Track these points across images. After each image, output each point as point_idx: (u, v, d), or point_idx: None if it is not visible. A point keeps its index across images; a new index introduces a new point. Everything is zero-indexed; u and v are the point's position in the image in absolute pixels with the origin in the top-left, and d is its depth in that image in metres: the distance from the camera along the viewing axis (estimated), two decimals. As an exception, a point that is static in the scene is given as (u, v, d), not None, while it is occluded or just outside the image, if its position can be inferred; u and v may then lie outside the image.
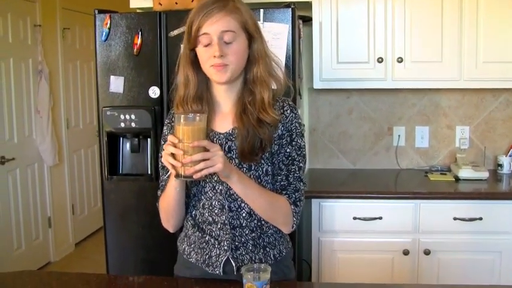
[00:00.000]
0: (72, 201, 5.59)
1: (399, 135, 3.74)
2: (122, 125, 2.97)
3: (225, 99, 1.88)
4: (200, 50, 1.79)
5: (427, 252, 3.10)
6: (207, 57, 1.77)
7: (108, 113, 2.99)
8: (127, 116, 2.96)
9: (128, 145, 3.08)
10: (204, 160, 1.61)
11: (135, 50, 2.93)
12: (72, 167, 5.60)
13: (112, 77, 2.98)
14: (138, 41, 2.92)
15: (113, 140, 3.05)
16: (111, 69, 2.98)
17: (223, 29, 1.74)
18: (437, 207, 3.11)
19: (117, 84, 2.98)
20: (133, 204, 3.04)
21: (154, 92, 2.94)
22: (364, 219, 3.11)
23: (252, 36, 1.81)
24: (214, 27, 1.74)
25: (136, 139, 3.03)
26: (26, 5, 4.77)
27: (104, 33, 2.95)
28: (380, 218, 3.11)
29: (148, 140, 3.01)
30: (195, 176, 1.62)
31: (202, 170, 1.61)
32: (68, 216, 5.51)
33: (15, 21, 4.61)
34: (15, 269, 4.30)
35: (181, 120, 1.63)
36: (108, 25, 2.94)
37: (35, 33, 4.86)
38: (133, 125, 2.96)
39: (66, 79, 5.42)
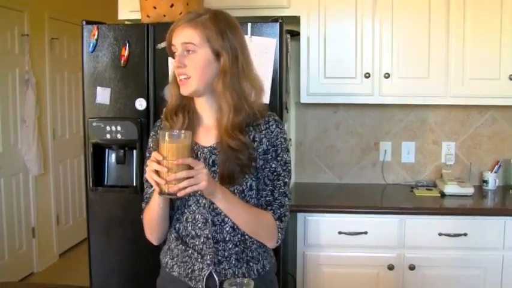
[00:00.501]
0: (57, 211, 5.55)
1: (385, 150, 3.75)
2: (108, 136, 2.96)
3: (207, 113, 1.88)
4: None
5: (412, 268, 3.10)
6: (174, 68, 1.81)
7: (94, 124, 2.97)
8: (113, 128, 2.94)
9: (113, 156, 3.06)
10: (188, 178, 1.60)
11: (122, 61, 2.92)
12: (58, 177, 5.57)
13: (99, 88, 2.97)
14: (126, 52, 2.91)
15: (98, 151, 3.03)
16: (98, 80, 2.97)
17: (183, 40, 1.77)
18: (423, 222, 3.11)
19: (103, 95, 2.96)
20: (118, 216, 3.02)
21: (140, 103, 2.94)
22: (350, 233, 3.11)
23: (219, 52, 1.79)
24: (177, 38, 1.79)
25: (122, 151, 3.01)
26: (14, 15, 4.76)
27: (92, 45, 2.95)
28: (365, 233, 3.11)
29: (134, 151, 2.99)
30: (179, 194, 1.61)
31: (186, 187, 1.61)
32: (52, 226, 5.47)
33: (3, 30, 4.60)
34: (-2, 279, 4.28)
35: (166, 138, 1.62)
36: (96, 36, 2.93)
37: (23, 43, 4.85)
38: (119, 136, 2.95)
39: (53, 89, 5.40)
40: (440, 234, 3.07)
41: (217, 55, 1.79)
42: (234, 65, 1.80)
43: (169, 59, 2.71)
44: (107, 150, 3.08)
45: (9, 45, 4.70)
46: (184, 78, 1.78)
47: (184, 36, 1.77)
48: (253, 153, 1.81)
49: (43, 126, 5.23)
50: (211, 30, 1.77)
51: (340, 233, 3.12)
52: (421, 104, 3.55)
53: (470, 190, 3.36)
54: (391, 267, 3.10)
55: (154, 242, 1.96)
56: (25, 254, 5.01)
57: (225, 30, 1.79)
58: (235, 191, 1.82)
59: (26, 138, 4.87)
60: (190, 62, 1.77)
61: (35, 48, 5.03)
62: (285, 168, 1.86)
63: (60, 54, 5.52)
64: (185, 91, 1.81)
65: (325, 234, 3.15)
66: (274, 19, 2.86)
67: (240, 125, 1.80)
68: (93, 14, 3.49)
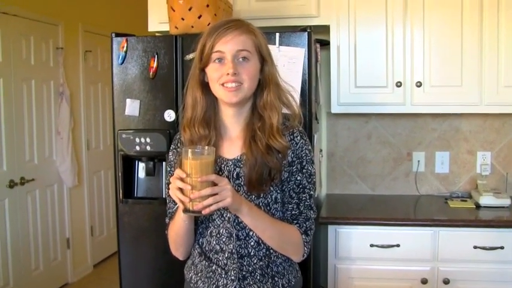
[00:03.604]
0: (91, 223, 5.60)
1: (419, 161, 3.68)
2: (137, 148, 2.96)
3: (233, 124, 1.85)
4: (211, 69, 1.77)
5: (446, 282, 3.02)
6: (218, 75, 1.75)
7: (124, 136, 2.98)
8: (142, 139, 2.95)
9: (143, 168, 3.07)
10: (212, 195, 1.59)
11: (151, 73, 2.92)
12: (92, 188, 5.62)
13: (128, 100, 2.98)
14: (154, 64, 2.91)
15: (128, 163, 3.05)
16: (127, 92, 2.98)
17: (239, 47, 1.74)
18: (457, 235, 3.03)
19: (133, 107, 2.97)
20: (148, 227, 3.01)
21: (169, 115, 2.93)
22: (382, 246, 3.05)
23: (265, 59, 1.80)
24: (230, 45, 1.74)
25: (152, 162, 3.02)
26: (49, 28, 4.83)
27: (121, 57, 2.96)
28: (398, 246, 3.04)
29: (163, 163, 2.99)
30: (204, 212, 1.60)
31: (211, 205, 1.59)
32: (86, 238, 5.52)
33: (38, 43, 4.67)
34: (32, 291, 4.33)
35: (189, 155, 1.60)
36: (125, 48, 2.95)
37: (57, 56, 4.92)
38: (148, 148, 2.95)
39: (87, 101, 5.47)
40: (475, 247, 2.99)
41: (261, 63, 1.79)
42: (277, 74, 1.84)
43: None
44: (136, 162, 3.08)
45: (44, 58, 4.77)
46: (236, 86, 1.74)
47: (240, 43, 1.74)
48: (281, 160, 1.79)
49: (77, 138, 5.28)
50: (260, 38, 1.79)
51: (372, 245, 3.06)
52: (455, 112, 3.47)
53: (506, 201, 3.26)
54: (424, 281, 3.03)
55: (181, 258, 1.95)
56: (60, 265, 5.06)
57: (264, 38, 1.83)
58: (260, 204, 1.79)
59: (60, 150, 4.93)
60: (244, 69, 1.75)
61: (69, 61, 5.10)
62: (310, 180, 1.83)
63: (94, 66, 5.59)
64: (234, 98, 1.76)
65: (357, 247, 3.09)
66: (303, 28, 2.83)
67: (282, 128, 1.82)
68: (126, 27, 3.51)
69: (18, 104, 4.43)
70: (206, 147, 1.67)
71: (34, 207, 4.64)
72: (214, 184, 1.60)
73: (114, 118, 3.04)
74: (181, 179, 1.59)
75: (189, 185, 1.58)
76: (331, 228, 3.12)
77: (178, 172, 1.61)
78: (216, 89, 1.78)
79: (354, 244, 3.10)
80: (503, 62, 3.19)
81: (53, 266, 4.94)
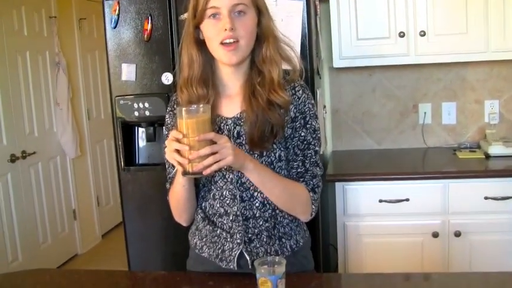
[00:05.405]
0: (97, 193, 5.57)
1: (425, 112, 3.59)
2: (136, 113, 2.90)
3: (233, 81, 1.76)
4: (207, 25, 1.67)
5: (457, 234, 2.97)
6: (215, 32, 1.65)
7: (122, 102, 2.92)
8: (140, 105, 2.88)
9: (143, 134, 3.00)
10: (212, 154, 1.51)
11: (145, 35, 2.84)
12: (96, 158, 5.56)
13: (124, 65, 2.90)
14: (148, 26, 2.82)
15: (127, 130, 2.98)
16: (122, 57, 2.91)
17: (234, 1, 1.63)
18: (467, 186, 2.97)
19: (129, 72, 2.90)
20: (152, 194, 2.97)
21: (167, 78, 2.85)
22: (391, 201, 2.99)
23: (261, 11, 1.70)
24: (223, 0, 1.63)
25: (152, 128, 2.96)
26: (40, -3, 4.72)
27: (113, 20, 2.87)
28: (407, 200, 2.98)
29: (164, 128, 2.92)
30: (205, 172, 1.51)
31: (211, 164, 1.51)
32: (93, 208, 5.50)
33: (30, 13, 4.55)
34: (43, 262, 4.34)
35: (183, 113, 1.51)
36: (117, 11, 2.86)
37: (51, 25, 4.80)
38: (147, 113, 2.89)
39: (85, 69, 5.37)
40: (486, 198, 2.93)
41: (258, 16, 1.69)
42: (275, 26, 1.73)
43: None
44: (136, 128, 3.02)
45: (37, 28, 4.66)
46: (234, 42, 1.64)
47: None
48: (283, 115, 1.71)
49: (77, 107, 5.21)
50: None
51: (380, 201, 3.00)
52: (461, 61, 3.36)
53: (517, 150, 3.20)
54: (435, 235, 2.98)
55: (184, 224, 1.89)
56: (68, 236, 5.04)
57: None
58: (264, 162, 1.72)
59: (60, 121, 4.85)
60: (241, 24, 1.64)
61: (63, 30, 4.98)
62: (314, 136, 1.75)
63: (89, 34, 5.46)
64: (234, 58, 1.66)
65: (365, 203, 3.04)
66: (300, -19, 2.73)
67: (283, 82, 1.74)
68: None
69: (13, 76, 4.34)
70: (201, 104, 1.59)
71: (38, 180, 4.60)
72: (214, 143, 1.52)
73: (111, 84, 2.96)
74: (178, 140, 1.51)
75: (186, 146, 1.50)
76: (338, 186, 3.06)
77: (174, 133, 1.52)
78: (214, 49, 1.68)
79: (363, 200, 3.05)
80: (510, 5, 3.07)
81: (61, 238, 4.92)
